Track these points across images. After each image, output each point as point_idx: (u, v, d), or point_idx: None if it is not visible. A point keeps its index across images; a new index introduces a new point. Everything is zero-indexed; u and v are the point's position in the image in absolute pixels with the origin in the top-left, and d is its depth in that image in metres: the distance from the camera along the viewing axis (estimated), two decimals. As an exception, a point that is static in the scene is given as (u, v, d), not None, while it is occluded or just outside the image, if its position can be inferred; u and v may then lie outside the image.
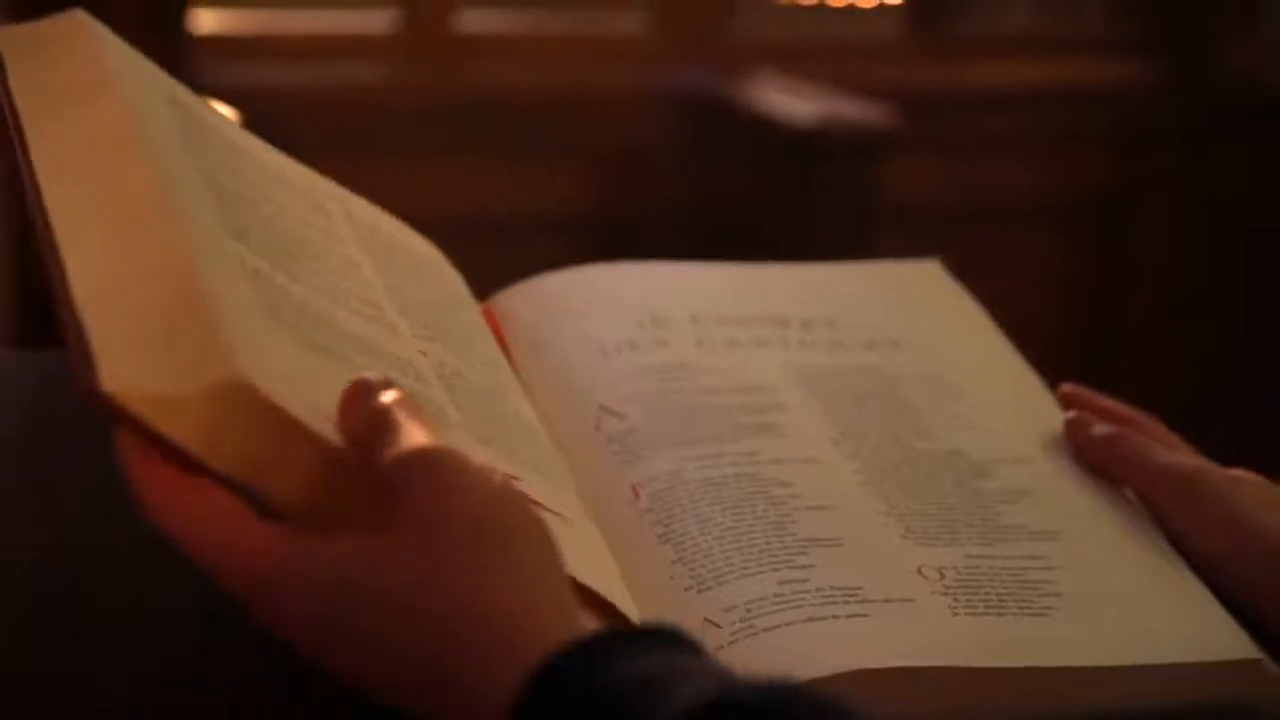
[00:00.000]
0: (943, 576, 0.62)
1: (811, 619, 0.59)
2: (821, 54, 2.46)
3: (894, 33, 2.60)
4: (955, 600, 0.61)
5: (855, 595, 0.60)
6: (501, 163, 2.26)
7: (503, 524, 0.50)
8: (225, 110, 2.01)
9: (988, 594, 0.62)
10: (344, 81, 2.26)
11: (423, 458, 0.50)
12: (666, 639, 0.49)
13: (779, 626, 0.59)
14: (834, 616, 0.59)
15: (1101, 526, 0.66)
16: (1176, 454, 0.68)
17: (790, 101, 2.18)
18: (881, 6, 2.60)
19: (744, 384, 0.71)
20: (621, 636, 0.48)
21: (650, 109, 2.32)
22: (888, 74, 2.44)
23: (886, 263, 0.82)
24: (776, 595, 0.60)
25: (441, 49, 2.30)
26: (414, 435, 0.51)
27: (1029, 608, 0.61)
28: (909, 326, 0.77)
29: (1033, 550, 0.64)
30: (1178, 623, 0.62)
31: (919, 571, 0.62)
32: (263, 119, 2.05)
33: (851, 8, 2.60)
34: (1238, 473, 0.67)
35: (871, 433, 0.70)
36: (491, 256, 0.95)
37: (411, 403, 0.52)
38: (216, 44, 2.18)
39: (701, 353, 0.72)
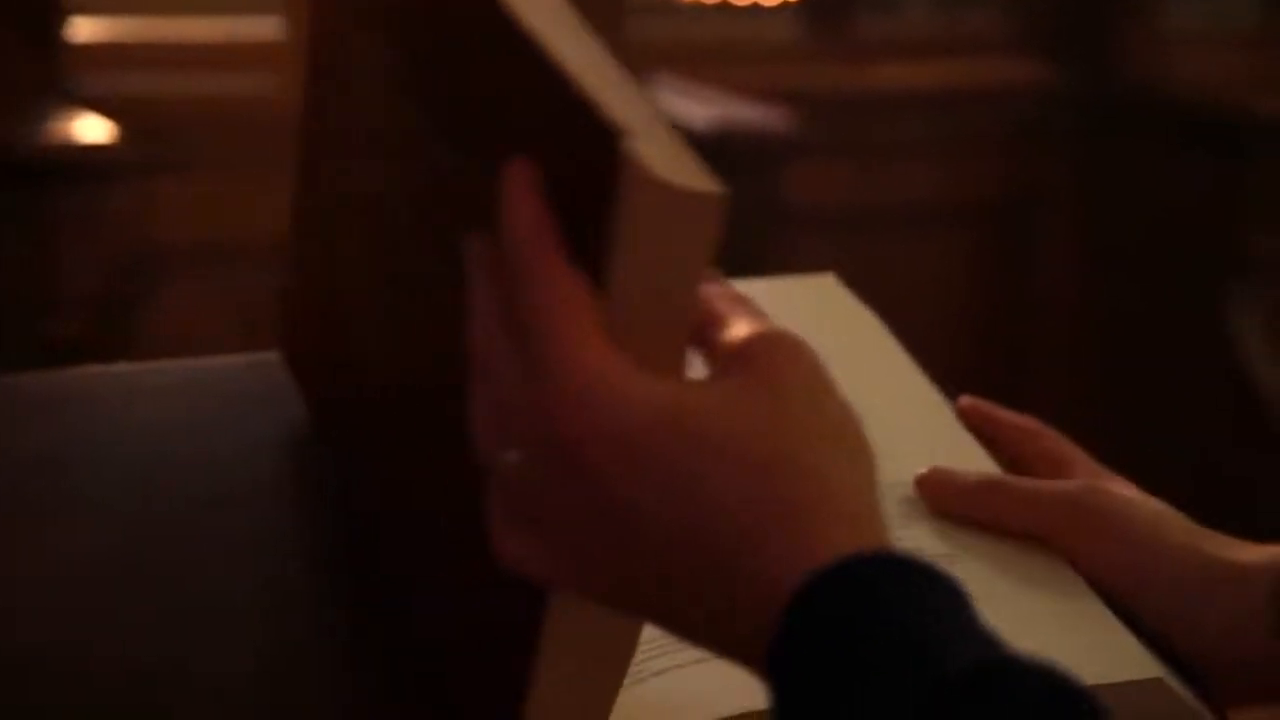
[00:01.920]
0: None
1: (701, 659, 0.58)
2: (719, 56, 2.45)
3: (792, 34, 2.59)
4: None
5: None
6: (396, 172, 2.22)
7: (837, 417, 0.50)
8: (103, 122, 1.97)
9: None
10: (230, 91, 2.22)
11: (789, 341, 0.50)
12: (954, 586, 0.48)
13: (669, 670, 0.57)
14: None
15: (998, 548, 0.65)
16: (1070, 472, 0.67)
17: (688, 105, 2.17)
18: (784, 5, 2.59)
19: None
20: (921, 566, 0.47)
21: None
22: (786, 76, 2.43)
23: (780, 279, 0.81)
24: (664, 638, 0.58)
25: (330, 56, 2.26)
26: (772, 322, 0.51)
27: None
28: None
29: None
30: (1078, 644, 0.61)
31: None
32: (145, 131, 2.02)
33: (755, 6, 2.59)
34: (1136, 496, 0.66)
35: None
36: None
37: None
38: (96, 53, 2.13)
39: None
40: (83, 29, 2.12)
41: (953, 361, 0.81)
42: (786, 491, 0.47)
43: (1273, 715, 0.66)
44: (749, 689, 0.56)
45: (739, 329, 0.50)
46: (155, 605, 0.60)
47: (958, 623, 0.46)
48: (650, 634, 0.57)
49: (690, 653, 0.58)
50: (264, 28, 2.28)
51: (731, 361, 0.49)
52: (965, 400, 0.73)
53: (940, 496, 0.67)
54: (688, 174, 0.48)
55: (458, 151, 0.54)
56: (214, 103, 2.19)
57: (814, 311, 0.78)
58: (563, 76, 0.48)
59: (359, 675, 0.59)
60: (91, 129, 1.87)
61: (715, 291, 0.52)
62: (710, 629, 0.48)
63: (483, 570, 0.54)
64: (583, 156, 0.48)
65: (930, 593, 0.46)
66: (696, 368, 0.50)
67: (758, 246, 2.04)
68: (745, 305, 0.52)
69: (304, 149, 0.70)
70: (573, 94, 0.48)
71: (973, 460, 0.70)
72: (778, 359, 0.49)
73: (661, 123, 0.49)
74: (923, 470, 0.67)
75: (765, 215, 2.11)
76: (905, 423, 0.72)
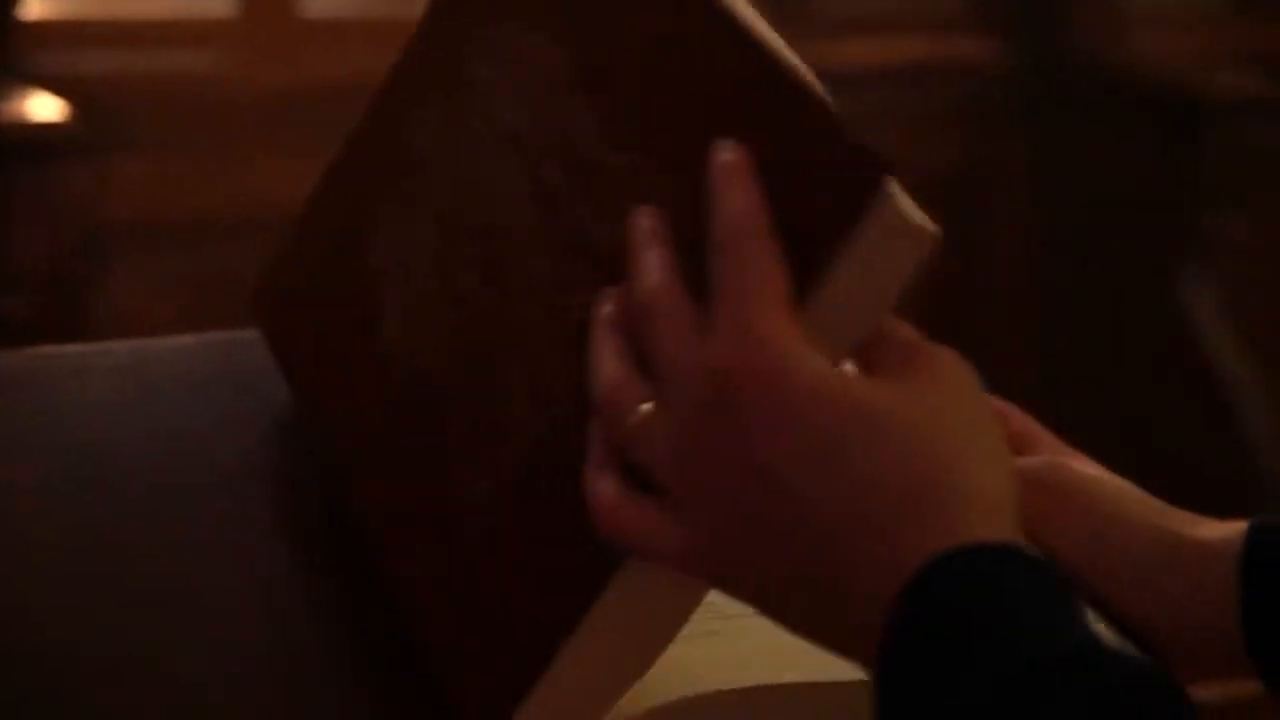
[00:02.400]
0: None
1: (700, 634, 0.59)
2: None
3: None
4: None
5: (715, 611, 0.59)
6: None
7: (989, 427, 0.54)
8: (55, 100, 1.95)
9: None
10: (181, 69, 2.21)
11: (950, 354, 0.55)
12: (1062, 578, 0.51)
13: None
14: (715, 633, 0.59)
15: None
16: (1035, 452, 0.67)
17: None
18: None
19: None
20: (1032, 557, 0.50)
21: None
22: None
23: None
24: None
25: (284, 35, 2.25)
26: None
27: None
28: None
29: None
30: None
31: None
32: (95, 109, 2.00)
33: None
34: (1100, 473, 0.66)
35: None
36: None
37: None
38: (45, 30, 2.11)
39: None
40: (34, 7, 2.10)
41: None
42: (941, 492, 0.50)
43: (1232, 690, 0.66)
44: (742, 670, 0.57)
45: (902, 338, 0.54)
46: (132, 599, 0.59)
47: (1063, 613, 0.48)
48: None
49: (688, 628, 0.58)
50: (216, 5, 2.27)
51: (897, 366, 0.53)
52: None
53: None
54: (911, 207, 0.51)
55: (637, 155, 0.56)
56: (166, 81, 2.17)
57: None
58: (816, 99, 0.53)
59: (355, 675, 0.58)
60: (43, 107, 1.85)
61: None
62: (827, 605, 0.50)
63: (497, 568, 0.54)
64: (824, 178, 0.51)
65: (1038, 582, 0.49)
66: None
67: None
68: (901, 320, 0.55)
69: (375, 139, 0.69)
70: (831, 121, 0.53)
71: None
72: (942, 369, 0.54)
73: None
74: None
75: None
76: None
